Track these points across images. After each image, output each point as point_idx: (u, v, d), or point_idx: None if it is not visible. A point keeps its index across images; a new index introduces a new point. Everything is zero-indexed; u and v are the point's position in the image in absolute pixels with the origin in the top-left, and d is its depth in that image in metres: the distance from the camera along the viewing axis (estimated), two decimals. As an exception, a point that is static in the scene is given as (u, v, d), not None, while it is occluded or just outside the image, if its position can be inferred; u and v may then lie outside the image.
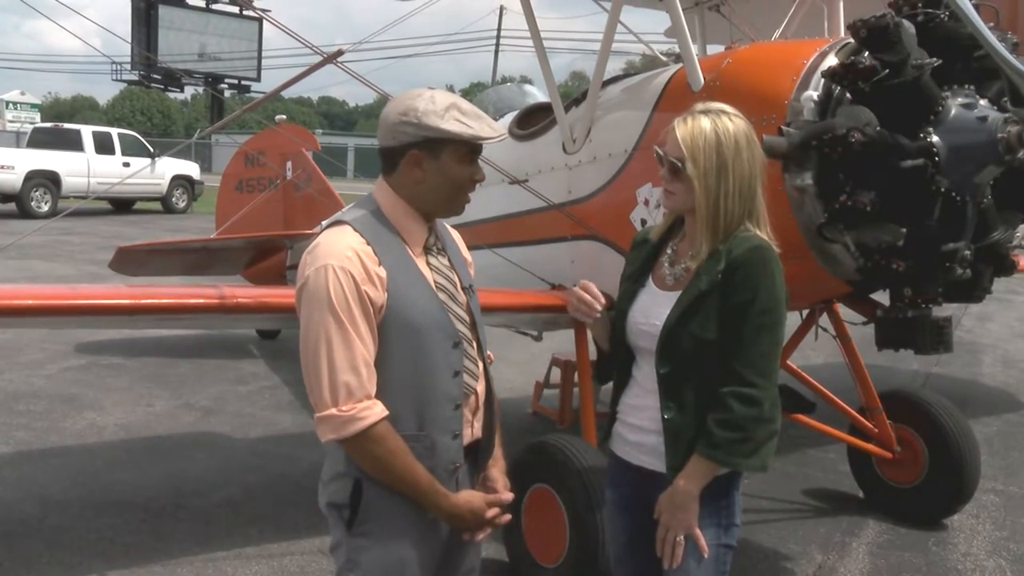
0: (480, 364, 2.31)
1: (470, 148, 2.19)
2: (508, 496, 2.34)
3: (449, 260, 2.32)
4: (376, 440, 2.08)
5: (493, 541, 4.13)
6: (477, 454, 2.33)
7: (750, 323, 2.26)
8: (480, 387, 2.30)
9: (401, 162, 2.19)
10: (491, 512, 2.26)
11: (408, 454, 2.12)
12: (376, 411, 2.08)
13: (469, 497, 2.23)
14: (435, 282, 2.23)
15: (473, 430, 2.30)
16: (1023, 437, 6.63)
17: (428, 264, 2.25)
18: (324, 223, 7.55)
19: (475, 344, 2.30)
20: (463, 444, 2.24)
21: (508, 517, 2.33)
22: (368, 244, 2.12)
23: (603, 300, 2.43)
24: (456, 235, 2.47)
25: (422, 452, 2.14)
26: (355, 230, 2.14)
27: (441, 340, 2.18)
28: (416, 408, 2.14)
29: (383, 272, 2.11)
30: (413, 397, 2.15)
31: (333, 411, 2.07)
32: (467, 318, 2.28)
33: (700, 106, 2.37)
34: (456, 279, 2.30)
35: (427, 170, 2.18)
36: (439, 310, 2.20)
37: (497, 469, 2.39)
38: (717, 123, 2.31)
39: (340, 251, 2.09)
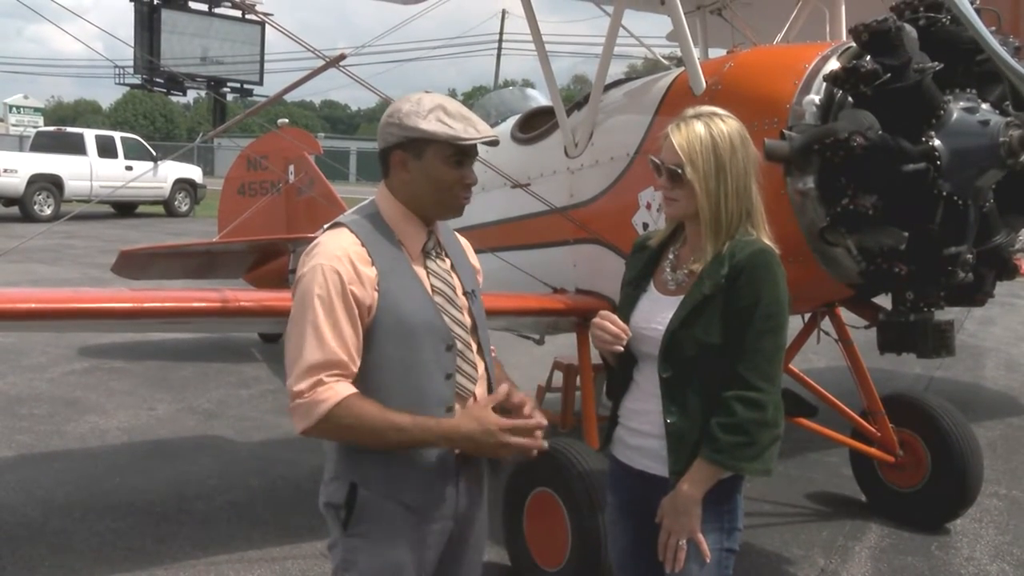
0: (480, 367, 2.31)
1: (456, 149, 2.19)
2: (537, 421, 2.15)
3: (451, 264, 2.33)
4: (343, 415, 2.06)
5: (495, 545, 4.13)
6: (480, 459, 2.32)
7: (753, 327, 2.26)
8: (480, 390, 2.29)
9: (390, 163, 2.23)
10: (509, 435, 2.08)
11: (381, 413, 2.07)
12: (338, 390, 2.07)
13: (466, 415, 2.11)
14: (432, 285, 2.24)
15: None
16: (1026, 441, 6.62)
17: (426, 267, 2.25)
18: (326, 226, 7.50)
19: (475, 347, 2.30)
20: (458, 450, 2.22)
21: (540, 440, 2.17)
22: (362, 245, 2.15)
23: (628, 332, 2.40)
24: (465, 242, 2.47)
25: (413, 452, 2.15)
26: (351, 231, 2.18)
27: (433, 342, 2.19)
28: (408, 409, 2.14)
29: (373, 272, 2.13)
30: (405, 398, 2.15)
31: (296, 402, 2.10)
32: (467, 322, 2.28)
33: (691, 111, 2.39)
34: (457, 283, 2.31)
35: (412, 170, 2.20)
36: (432, 312, 2.21)
37: (512, 391, 2.22)
38: (711, 126, 2.33)
39: (331, 252, 2.12)
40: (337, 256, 2.11)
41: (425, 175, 2.20)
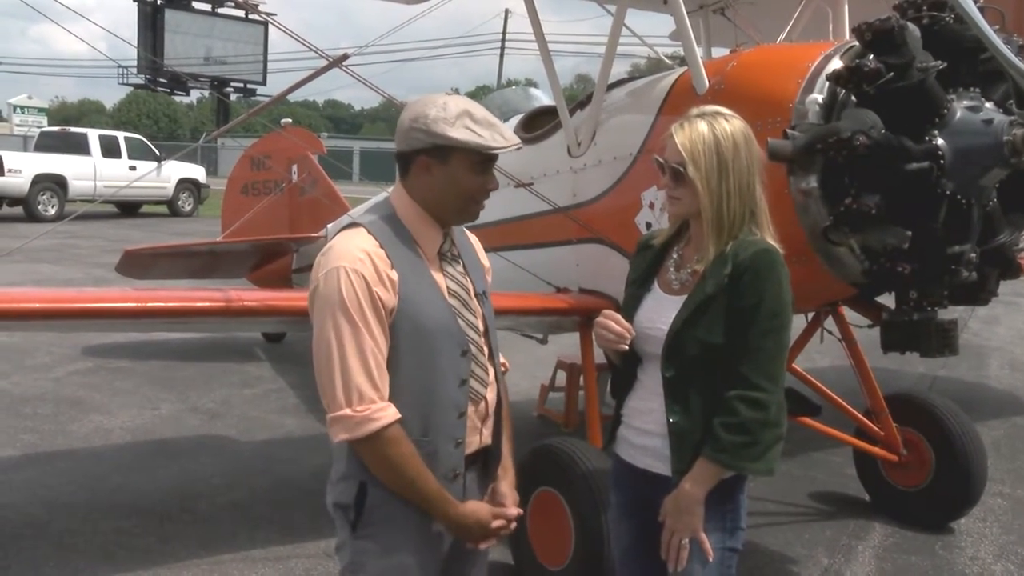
0: (491, 371, 2.31)
1: (482, 157, 2.17)
2: (515, 511, 2.34)
3: (463, 266, 2.32)
4: (389, 442, 2.09)
5: (499, 544, 4.13)
6: (487, 461, 2.34)
7: (757, 327, 2.26)
8: (491, 394, 2.30)
9: (412, 167, 2.20)
10: (496, 523, 2.26)
11: (419, 459, 2.12)
12: (390, 413, 2.09)
13: (476, 508, 2.24)
14: (448, 288, 2.23)
15: (482, 437, 2.30)
16: (1030, 440, 6.61)
17: (442, 270, 2.24)
18: (330, 225, 7.49)
19: (487, 351, 2.30)
20: (467, 452, 2.24)
21: (513, 526, 2.33)
22: (381, 247, 2.13)
23: (632, 331, 2.40)
24: (475, 240, 2.46)
25: (424, 458, 2.15)
26: (369, 232, 2.15)
27: (449, 347, 2.18)
28: (421, 413, 2.15)
29: (395, 275, 2.11)
30: (419, 402, 2.15)
31: (347, 411, 2.07)
32: (480, 325, 2.28)
33: (695, 110, 2.40)
34: (470, 286, 2.30)
35: (436, 176, 2.18)
36: (449, 316, 2.20)
37: (507, 483, 2.38)
38: (714, 125, 2.33)
39: (352, 253, 2.09)
40: (359, 258, 2.08)
41: (448, 180, 2.18)
